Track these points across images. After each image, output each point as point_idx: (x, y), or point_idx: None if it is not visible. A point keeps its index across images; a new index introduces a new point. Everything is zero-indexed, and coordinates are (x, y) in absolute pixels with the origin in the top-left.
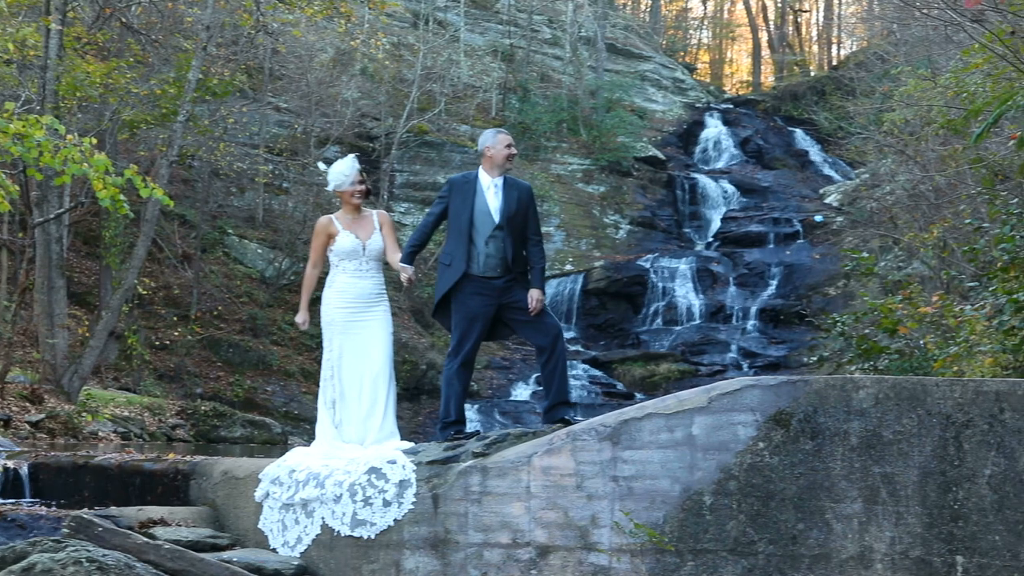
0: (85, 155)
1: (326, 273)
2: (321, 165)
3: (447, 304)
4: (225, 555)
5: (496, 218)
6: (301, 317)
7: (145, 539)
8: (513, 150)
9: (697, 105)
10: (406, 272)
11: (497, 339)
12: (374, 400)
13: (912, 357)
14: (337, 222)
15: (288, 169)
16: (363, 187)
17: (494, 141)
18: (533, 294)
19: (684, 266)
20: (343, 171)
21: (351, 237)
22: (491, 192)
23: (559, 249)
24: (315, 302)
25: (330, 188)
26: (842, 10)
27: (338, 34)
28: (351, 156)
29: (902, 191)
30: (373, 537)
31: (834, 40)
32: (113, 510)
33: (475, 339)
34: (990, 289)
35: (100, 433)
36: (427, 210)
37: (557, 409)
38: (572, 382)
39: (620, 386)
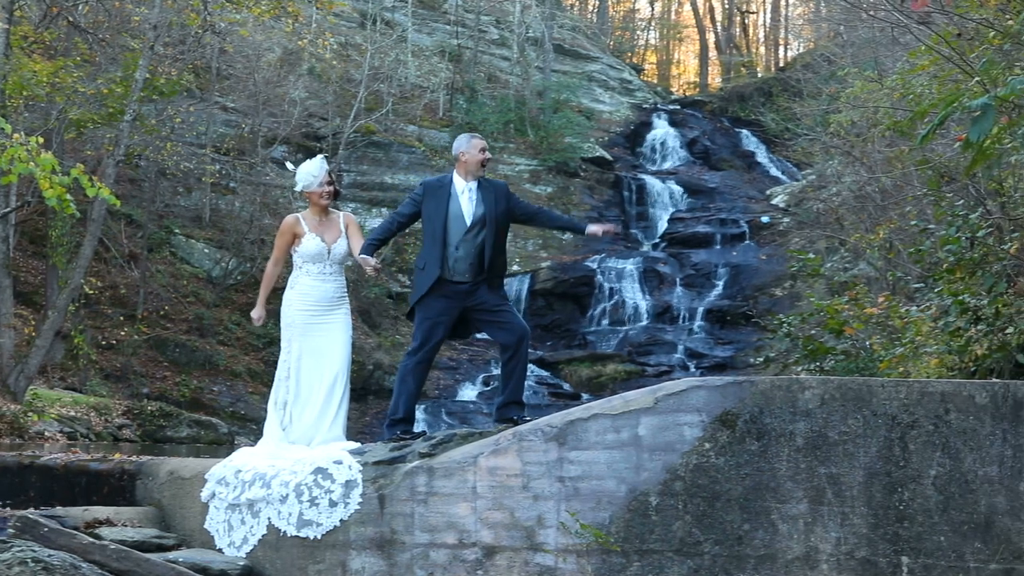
0: (32, 154)
1: (288, 270)
2: (289, 165)
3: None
4: (171, 555)
5: (469, 222)
6: (257, 313)
7: (91, 539)
8: (487, 154)
9: (644, 106)
10: (368, 264)
11: (460, 338)
12: (328, 402)
13: (858, 358)
14: (304, 223)
15: (235, 169)
16: (331, 188)
17: (468, 146)
18: (595, 227)
19: (631, 267)
20: (312, 171)
21: (317, 240)
22: (465, 196)
23: None
24: (271, 299)
25: (298, 189)
26: (789, 12)
27: (286, 34)
28: (320, 157)
29: (848, 192)
30: (319, 537)
31: (781, 42)
32: (59, 510)
33: (436, 340)
34: (936, 290)
35: (46, 433)
36: (396, 208)
37: (509, 408)
38: None
39: (567, 387)
